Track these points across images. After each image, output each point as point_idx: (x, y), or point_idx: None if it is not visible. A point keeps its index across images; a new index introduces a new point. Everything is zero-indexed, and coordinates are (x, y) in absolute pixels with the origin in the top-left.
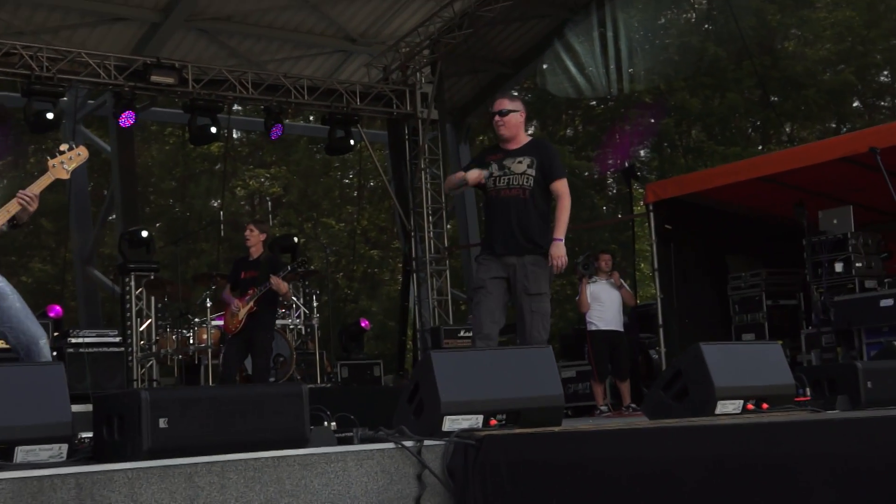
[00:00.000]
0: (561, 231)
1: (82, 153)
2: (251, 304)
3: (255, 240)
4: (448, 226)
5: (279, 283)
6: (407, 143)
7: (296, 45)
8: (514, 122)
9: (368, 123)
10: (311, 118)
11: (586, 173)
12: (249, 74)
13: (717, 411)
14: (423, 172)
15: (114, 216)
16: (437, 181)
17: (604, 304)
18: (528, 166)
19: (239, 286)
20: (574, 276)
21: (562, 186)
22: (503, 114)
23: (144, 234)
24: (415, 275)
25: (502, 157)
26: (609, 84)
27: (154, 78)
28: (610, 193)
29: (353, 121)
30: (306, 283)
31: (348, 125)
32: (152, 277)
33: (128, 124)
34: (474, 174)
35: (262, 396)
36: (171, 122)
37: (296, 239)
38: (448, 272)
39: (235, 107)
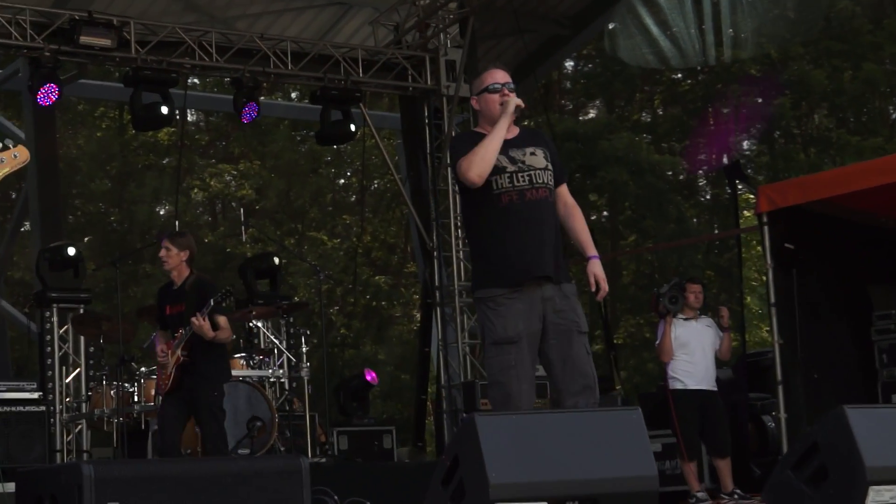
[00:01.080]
0: (592, 244)
1: (21, 155)
2: (178, 351)
3: (175, 261)
4: None
5: (201, 325)
6: (427, 129)
7: None
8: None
9: (374, 102)
10: (296, 95)
11: (670, 172)
12: (213, 35)
13: (870, 500)
14: (449, 169)
15: (27, 226)
16: None
17: (692, 353)
18: (546, 160)
19: (167, 326)
20: (652, 313)
21: (568, 191)
22: (514, 89)
23: (71, 251)
24: (438, 310)
25: (504, 146)
26: (703, 50)
27: (84, 39)
28: (703, 200)
29: (354, 98)
30: (290, 320)
31: (347, 104)
32: (82, 311)
33: (48, 102)
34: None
35: (248, 473)
36: (106, 98)
37: (276, 260)
38: None
39: (193, 79)
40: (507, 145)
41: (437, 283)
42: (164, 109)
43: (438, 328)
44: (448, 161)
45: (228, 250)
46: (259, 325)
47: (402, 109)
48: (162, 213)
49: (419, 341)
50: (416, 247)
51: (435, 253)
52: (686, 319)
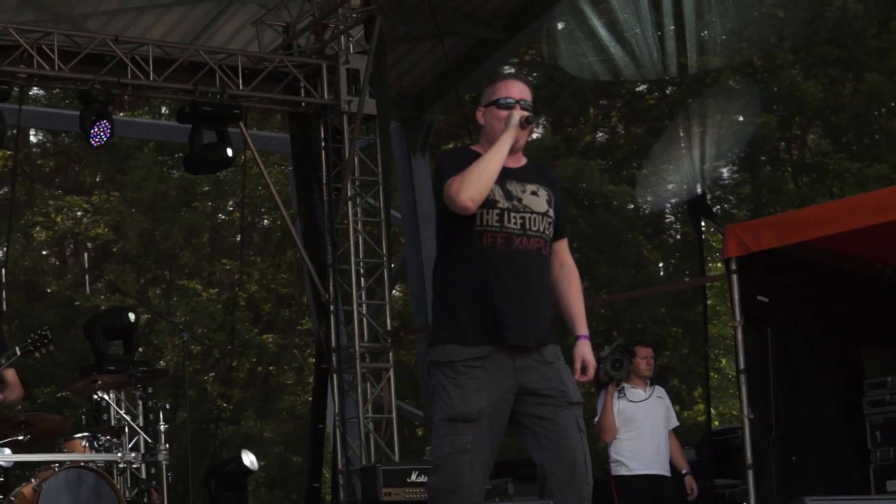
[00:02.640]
0: (585, 322)
1: None
2: None
3: None
4: (395, 292)
5: None
6: (324, 153)
7: None
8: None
9: (260, 121)
10: (164, 111)
11: (630, 205)
12: (56, 37)
13: None
14: (350, 203)
15: None
16: (373, 218)
17: (640, 431)
18: (548, 202)
19: None
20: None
21: (567, 249)
22: (529, 108)
23: None
24: (335, 377)
25: (503, 176)
26: (663, 57)
27: None
28: (671, 241)
29: (232, 116)
30: (149, 390)
31: (223, 123)
32: None
33: None
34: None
35: None
36: None
37: (132, 316)
38: (392, 373)
39: (33, 90)
40: (507, 175)
41: (333, 344)
42: None
43: (335, 399)
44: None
45: (77, 303)
46: (106, 396)
47: (291, 129)
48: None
49: (312, 415)
50: (311, 299)
51: (332, 307)
52: (633, 389)
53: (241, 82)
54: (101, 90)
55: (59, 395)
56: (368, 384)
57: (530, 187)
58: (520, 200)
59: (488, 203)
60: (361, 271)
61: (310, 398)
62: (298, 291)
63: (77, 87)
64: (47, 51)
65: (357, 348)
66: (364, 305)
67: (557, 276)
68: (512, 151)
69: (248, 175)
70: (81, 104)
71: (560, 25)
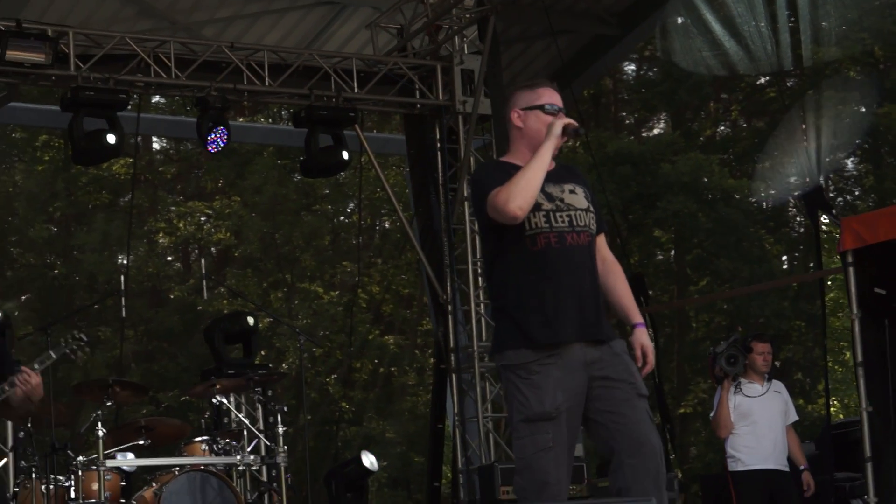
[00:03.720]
0: (638, 311)
1: None
2: None
3: None
4: None
5: (38, 383)
6: (440, 154)
7: None
8: None
9: (376, 123)
10: (283, 115)
11: (752, 199)
12: (172, 45)
13: None
14: (466, 203)
15: None
16: None
17: (756, 426)
18: (587, 198)
19: None
20: (707, 378)
21: (606, 244)
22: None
23: None
24: (453, 377)
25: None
26: (778, 50)
27: (12, 54)
28: (794, 234)
29: (347, 119)
30: (269, 393)
31: (339, 126)
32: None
33: None
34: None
35: None
36: (43, 125)
37: (251, 320)
38: None
39: (155, 98)
40: (545, 178)
41: (452, 344)
42: (111, 138)
43: (454, 399)
44: (469, 195)
45: (199, 308)
46: (225, 400)
47: (407, 131)
48: (124, 261)
49: (432, 415)
50: (430, 300)
51: (450, 307)
52: (749, 384)
53: (356, 85)
54: (217, 97)
55: (182, 399)
56: (487, 383)
57: (567, 187)
58: (562, 200)
59: (533, 207)
60: (479, 271)
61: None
62: (419, 292)
63: (194, 94)
64: (164, 59)
65: (475, 348)
66: (482, 305)
67: (602, 271)
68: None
69: (366, 177)
70: (198, 111)
71: (675, 21)
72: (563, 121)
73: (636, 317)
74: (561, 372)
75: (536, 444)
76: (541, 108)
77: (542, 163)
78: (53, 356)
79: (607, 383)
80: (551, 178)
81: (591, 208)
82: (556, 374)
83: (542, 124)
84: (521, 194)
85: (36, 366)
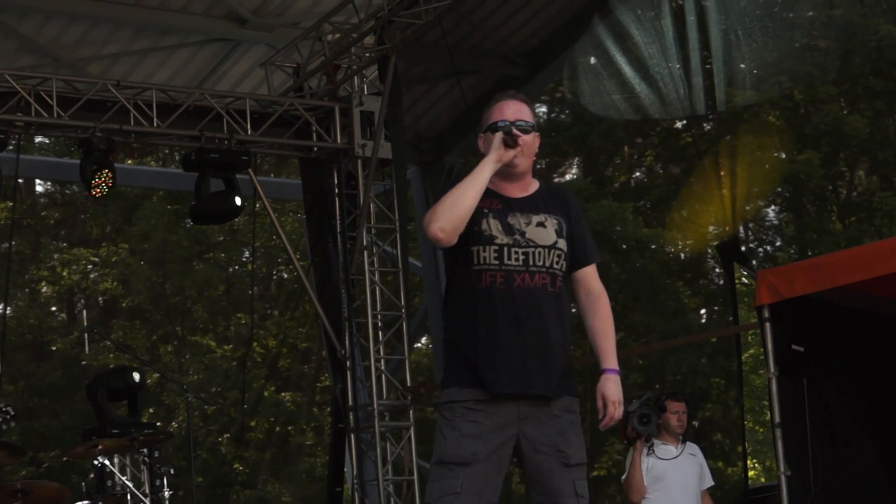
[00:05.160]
0: (614, 356)
1: None
2: None
3: None
4: (418, 343)
5: None
6: (338, 200)
7: (138, 31)
8: (533, 148)
9: (272, 167)
10: (174, 157)
11: (668, 248)
12: (54, 82)
13: None
14: (366, 252)
15: None
16: (391, 268)
17: (671, 491)
18: (558, 233)
19: None
20: (619, 437)
21: (597, 275)
22: (525, 128)
23: None
24: (352, 437)
25: (504, 208)
26: (691, 94)
27: None
28: (712, 286)
29: (242, 162)
30: (155, 454)
31: (232, 170)
32: None
33: None
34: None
35: None
36: None
37: (136, 375)
38: (413, 431)
39: (39, 139)
40: (510, 207)
41: (350, 402)
42: None
43: (353, 461)
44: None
45: (84, 363)
46: (108, 462)
47: (304, 175)
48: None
49: (329, 478)
50: (328, 354)
51: (348, 363)
52: (663, 445)
53: (249, 127)
54: (102, 138)
55: (64, 459)
56: (388, 444)
57: (537, 218)
58: (523, 234)
59: (485, 240)
60: (379, 324)
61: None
62: (317, 346)
63: (77, 134)
64: (46, 97)
65: (375, 406)
66: (382, 361)
67: (584, 306)
68: (516, 178)
69: (261, 224)
70: (82, 153)
71: (585, 61)
72: (497, 138)
73: (606, 361)
74: (488, 421)
75: (444, 488)
76: (492, 127)
77: (473, 182)
78: None
79: (536, 446)
80: (522, 206)
81: (561, 244)
82: (483, 422)
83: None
84: (443, 215)
85: None
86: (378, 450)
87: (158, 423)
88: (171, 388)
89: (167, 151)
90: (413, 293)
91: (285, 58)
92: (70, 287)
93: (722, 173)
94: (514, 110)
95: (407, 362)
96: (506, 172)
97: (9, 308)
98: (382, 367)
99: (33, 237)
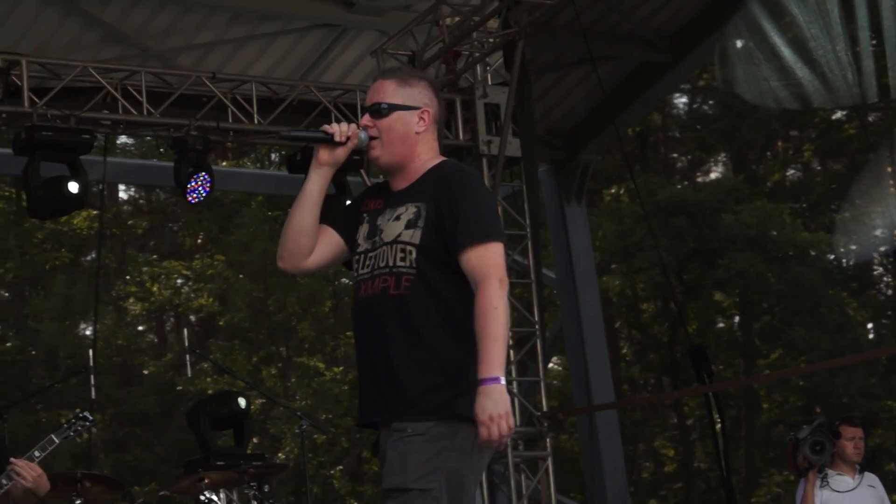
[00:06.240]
0: (493, 363)
1: None
2: None
3: None
4: (551, 365)
5: (39, 475)
6: None
7: (234, 17)
8: (401, 132)
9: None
10: (274, 158)
11: (831, 256)
12: (143, 76)
13: None
14: None
15: None
16: (523, 279)
17: None
18: (410, 223)
19: None
20: (782, 468)
21: (482, 259)
22: (379, 112)
23: None
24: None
25: (383, 206)
26: (861, 79)
27: None
28: (881, 297)
29: (353, 163)
30: (265, 489)
31: (343, 172)
32: None
33: None
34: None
35: None
36: None
37: (242, 401)
38: (551, 462)
39: (121, 139)
40: (386, 203)
41: None
42: (73, 186)
43: (484, 495)
44: None
45: (179, 388)
46: (215, 497)
47: None
48: (88, 332)
49: None
50: None
51: None
52: (838, 476)
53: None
54: (197, 137)
55: (162, 494)
56: (523, 476)
57: (397, 211)
58: (381, 234)
59: (355, 249)
60: (511, 342)
61: None
62: None
63: (170, 133)
64: (134, 93)
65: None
66: (515, 383)
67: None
68: (398, 170)
69: None
70: (176, 154)
71: (736, 45)
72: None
73: (481, 369)
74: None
75: None
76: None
77: (299, 196)
78: (56, 441)
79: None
80: (396, 200)
81: (405, 236)
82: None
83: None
84: (281, 240)
85: (37, 453)
86: (512, 483)
87: (266, 455)
88: (276, 414)
89: (265, 152)
90: (547, 307)
91: (398, 45)
92: (161, 304)
93: (889, 169)
94: (371, 92)
95: (542, 384)
96: (388, 171)
97: (91, 327)
98: (515, 390)
99: (119, 249)
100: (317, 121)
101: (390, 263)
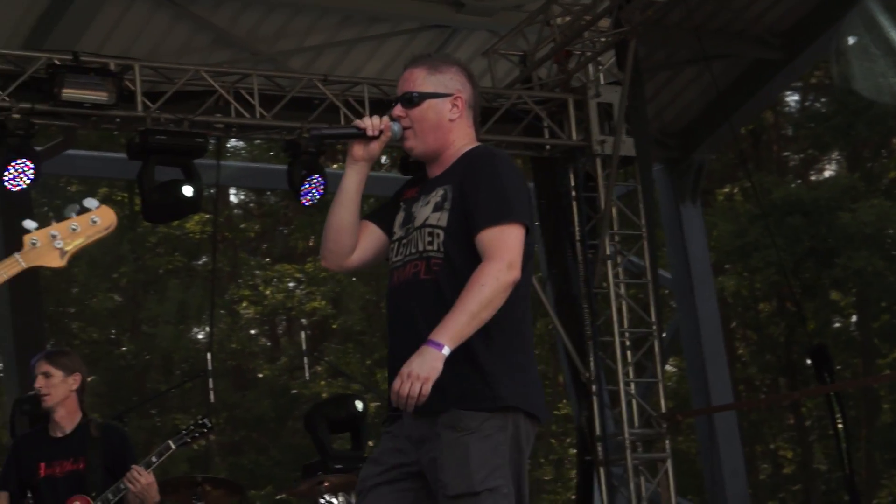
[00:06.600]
0: (449, 331)
1: (102, 218)
2: None
3: (61, 392)
4: (667, 367)
5: (149, 484)
6: (575, 204)
7: (344, 20)
8: (433, 121)
9: None
10: (384, 160)
11: None
12: (255, 79)
13: None
14: (609, 262)
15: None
16: (639, 280)
17: None
18: (437, 206)
19: (40, 497)
20: None
21: (495, 240)
22: (410, 101)
23: None
24: (601, 471)
25: (419, 194)
26: None
27: (68, 93)
28: None
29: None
30: None
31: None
32: None
33: (20, 186)
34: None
35: None
36: (106, 176)
37: (359, 404)
38: (671, 464)
39: (231, 143)
40: (422, 190)
41: (598, 432)
42: (188, 190)
43: (604, 498)
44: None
45: (294, 391)
46: (335, 500)
47: (536, 177)
48: (200, 336)
49: None
50: (568, 378)
51: (594, 387)
52: None
53: None
54: (310, 139)
55: (278, 497)
56: (643, 478)
57: (430, 197)
58: (413, 223)
59: (391, 239)
60: (627, 343)
61: (573, 496)
62: (552, 369)
63: (282, 136)
64: (246, 96)
65: (626, 436)
66: (632, 384)
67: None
68: (432, 159)
69: None
70: (288, 157)
71: (851, 41)
72: (365, 118)
73: (434, 332)
74: (391, 444)
75: None
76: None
77: (338, 194)
78: (173, 447)
79: (429, 476)
80: (431, 187)
81: (432, 220)
82: (385, 446)
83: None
84: (322, 238)
85: (154, 458)
86: (632, 485)
87: None
88: None
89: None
90: (662, 307)
91: (509, 45)
92: (274, 307)
93: None
94: (402, 81)
95: (661, 385)
96: (421, 155)
97: (207, 330)
98: (632, 392)
99: (231, 252)
100: None
101: (419, 248)
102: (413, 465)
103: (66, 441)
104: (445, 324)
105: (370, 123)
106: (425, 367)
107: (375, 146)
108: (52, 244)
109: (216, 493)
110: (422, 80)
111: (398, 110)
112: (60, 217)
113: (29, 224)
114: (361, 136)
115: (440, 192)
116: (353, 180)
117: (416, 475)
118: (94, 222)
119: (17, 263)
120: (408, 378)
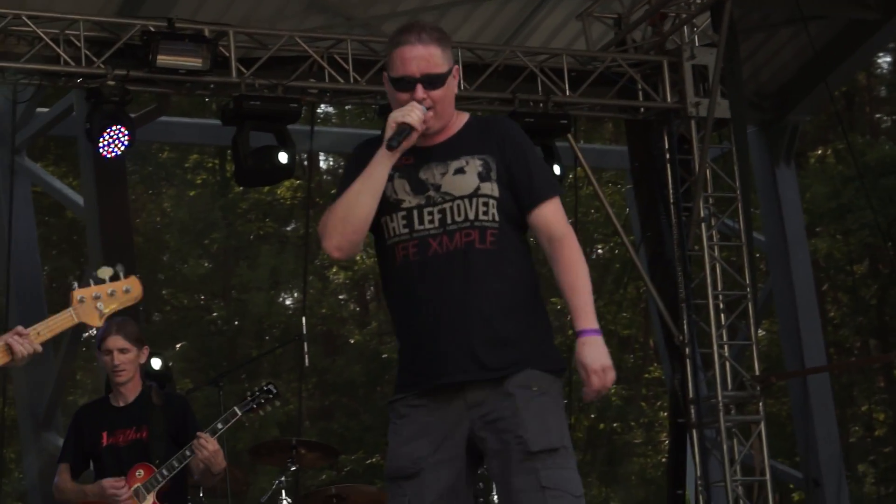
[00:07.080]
0: (592, 314)
1: (133, 289)
2: (153, 499)
3: (134, 367)
4: (760, 330)
5: (216, 451)
6: (670, 167)
7: None
8: (450, 97)
9: (589, 132)
10: None
11: None
12: (349, 44)
13: None
14: (703, 225)
15: (92, 331)
16: (733, 242)
17: None
18: (482, 175)
19: (103, 466)
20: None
21: (556, 213)
22: (434, 83)
23: (155, 364)
24: (694, 434)
25: (418, 161)
26: None
27: (163, 59)
28: None
29: (559, 127)
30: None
31: (548, 136)
32: None
33: (115, 152)
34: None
35: None
36: (198, 143)
37: None
38: (764, 427)
39: (323, 108)
40: (425, 158)
41: (691, 395)
42: (283, 156)
43: (696, 460)
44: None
45: (385, 356)
46: None
47: (630, 140)
48: (288, 302)
49: (668, 480)
50: (660, 341)
51: (687, 350)
52: None
53: (567, 87)
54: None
55: (368, 461)
56: (735, 441)
57: (455, 164)
58: (438, 188)
59: (391, 207)
60: (721, 306)
61: (664, 459)
62: (643, 333)
63: (377, 101)
64: (340, 61)
65: (720, 398)
66: (726, 347)
67: (549, 257)
68: (434, 133)
69: (578, 196)
70: (382, 122)
71: None
72: (410, 114)
73: (580, 321)
74: (431, 417)
75: None
76: (394, 83)
77: (366, 183)
78: (238, 413)
79: (492, 436)
80: (440, 153)
81: (487, 188)
82: (424, 420)
83: (397, 103)
84: (336, 230)
85: (220, 425)
86: (725, 448)
87: None
88: None
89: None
90: (755, 270)
91: (604, 7)
92: (364, 273)
93: None
94: (418, 61)
95: (755, 348)
96: (432, 131)
97: (296, 296)
98: (726, 354)
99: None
100: (523, 86)
101: (471, 217)
102: (465, 432)
103: (128, 410)
104: (587, 309)
105: (418, 119)
106: (606, 355)
107: (415, 136)
108: (94, 305)
109: (310, 457)
110: (440, 59)
111: (421, 92)
112: (84, 277)
113: (102, 271)
114: (408, 132)
115: (475, 161)
116: (386, 170)
117: (460, 441)
118: (127, 291)
119: (72, 318)
120: (603, 372)
